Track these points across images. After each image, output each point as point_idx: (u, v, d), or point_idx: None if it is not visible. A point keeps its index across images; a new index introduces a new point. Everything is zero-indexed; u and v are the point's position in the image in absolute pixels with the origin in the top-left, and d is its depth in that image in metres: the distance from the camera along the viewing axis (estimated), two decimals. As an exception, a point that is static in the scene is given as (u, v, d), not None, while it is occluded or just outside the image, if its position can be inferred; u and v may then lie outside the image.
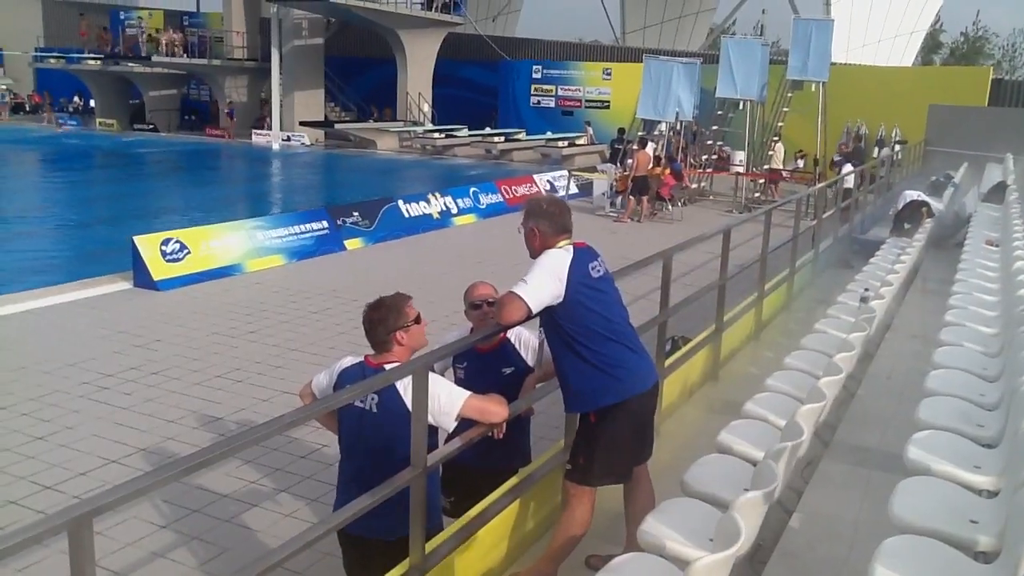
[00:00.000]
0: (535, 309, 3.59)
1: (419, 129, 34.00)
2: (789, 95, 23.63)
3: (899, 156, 21.52)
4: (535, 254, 3.72)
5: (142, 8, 45.80)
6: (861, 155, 20.71)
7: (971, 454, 3.49)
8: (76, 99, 44.90)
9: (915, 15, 41.04)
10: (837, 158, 20.62)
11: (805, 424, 3.65)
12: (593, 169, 23.33)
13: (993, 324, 5.66)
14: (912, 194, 11.47)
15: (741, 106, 23.31)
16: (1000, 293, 6.47)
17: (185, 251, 12.22)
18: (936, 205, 11.51)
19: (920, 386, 4.42)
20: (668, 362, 5.71)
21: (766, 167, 22.65)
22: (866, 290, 6.98)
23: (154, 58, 37.31)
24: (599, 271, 3.73)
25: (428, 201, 17.46)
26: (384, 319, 3.62)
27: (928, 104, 23.67)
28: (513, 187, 20.40)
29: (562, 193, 20.67)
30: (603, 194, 20.34)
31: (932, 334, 5.62)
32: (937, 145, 22.33)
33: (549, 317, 3.70)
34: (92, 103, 42.87)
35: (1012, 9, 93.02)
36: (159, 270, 11.78)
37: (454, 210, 18.01)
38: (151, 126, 39.56)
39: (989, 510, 2.99)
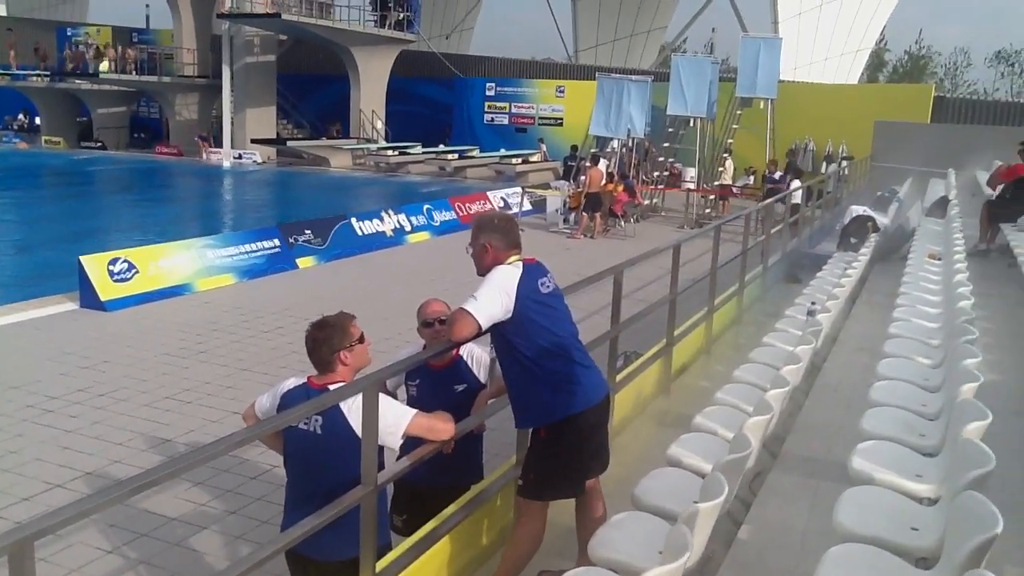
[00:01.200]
0: (485, 325, 3.60)
1: (372, 146, 33.93)
2: (738, 112, 24.03)
3: (846, 172, 21.97)
4: (484, 271, 3.73)
5: (90, 24, 45.17)
6: (796, 171, 21.18)
7: (913, 463, 3.57)
8: (21, 116, 44.08)
9: (860, 34, 42.01)
10: (767, 173, 21.11)
11: (753, 436, 3.71)
12: (547, 186, 23.46)
13: (935, 336, 5.79)
14: (858, 209, 11.72)
15: (692, 123, 23.62)
16: (942, 305, 6.62)
17: (133, 271, 12.04)
18: (881, 220, 11.76)
19: (866, 397, 4.51)
20: (620, 377, 5.76)
21: (717, 183, 22.96)
22: (813, 304, 7.11)
23: (102, 75, 36.77)
24: (548, 287, 3.75)
25: (381, 219, 17.41)
26: (328, 339, 3.59)
27: (874, 120, 24.21)
28: (467, 204, 20.44)
29: (516, 210, 20.75)
30: (556, 211, 20.47)
31: (877, 346, 5.73)
32: (882, 161, 22.83)
33: (499, 333, 3.71)
34: (38, 120, 42.11)
35: (954, 28, 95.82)
36: (107, 290, 11.59)
37: (408, 228, 17.99)
38: (99, 144, 38.96)
39: (929, 517, 3.06)
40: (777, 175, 20.68)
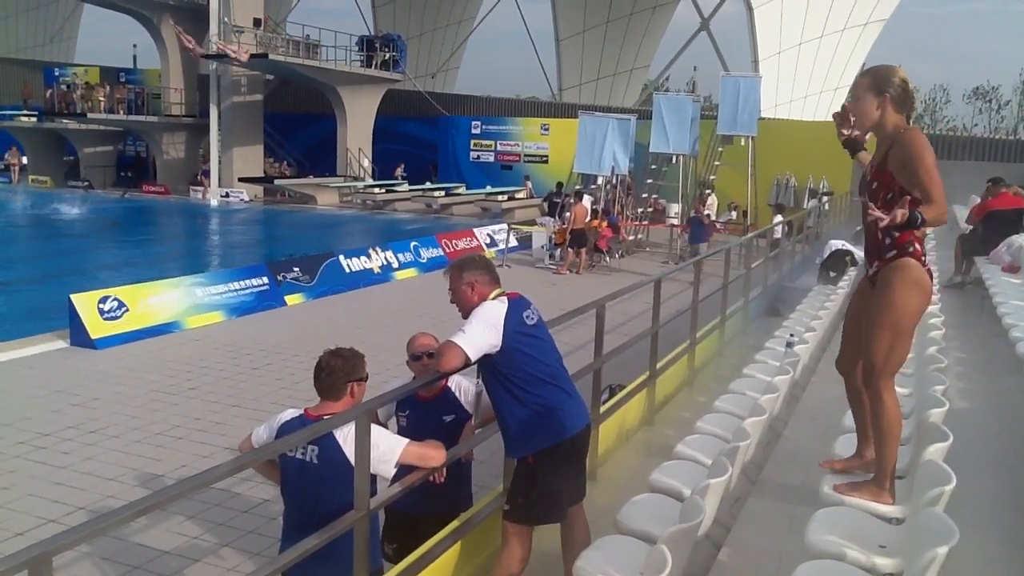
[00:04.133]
0: (473, 357, 3.76)
1: (359, 184, 34.18)
2: (720, 149, 24.40)
3: (826, 206, 22.31)
4: (469, 311, 3.88)
5: (77, 64, 45.48)
6: (778, 206, 21.55)
7: (882, 485, 3.72)
8: (8, 156, 44.11)
9: (839, 72, 42.74)
10: (693, 215, 21.30)
11: (731, 461, 3.86)
12: (533, 222, 23.72)
13: (908, 365, 5.97)
14: (837, 243, 11.96)
15: (674, 160, 23.95)
16: (916, 335, 6.80)
17: (123, 309, 12.14)
18: (859, 254, 12.00)
19: (840, 425, 4.68)
20: (604, 408, 5.91)
21: (700, 219, 23.24)
22: (792, 335, 7.29)
23: (90, 115, 36.96)
24: (533, 319, 3.92)
25: (369, 256, 17.56)
26: (344, 367, 3.79)
27: (853, 156, 24.55)
28: (454, 241, 20.64)
29: (502, 246, 20.97)
30: (543, 247, 20.70)
31: (853, 376, 5.90)
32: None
33: (489, 365, 3.86)
34: (25, 159, 42.18)
35: (933, 65, 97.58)
36: (96, 328, 11.68)
37: (395, 264, 18.14)
38: (86, 183, 39.05)
39: (896, 535, 3.22)
40: (707, 214, 21.05)
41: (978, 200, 12.37)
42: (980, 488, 4.34)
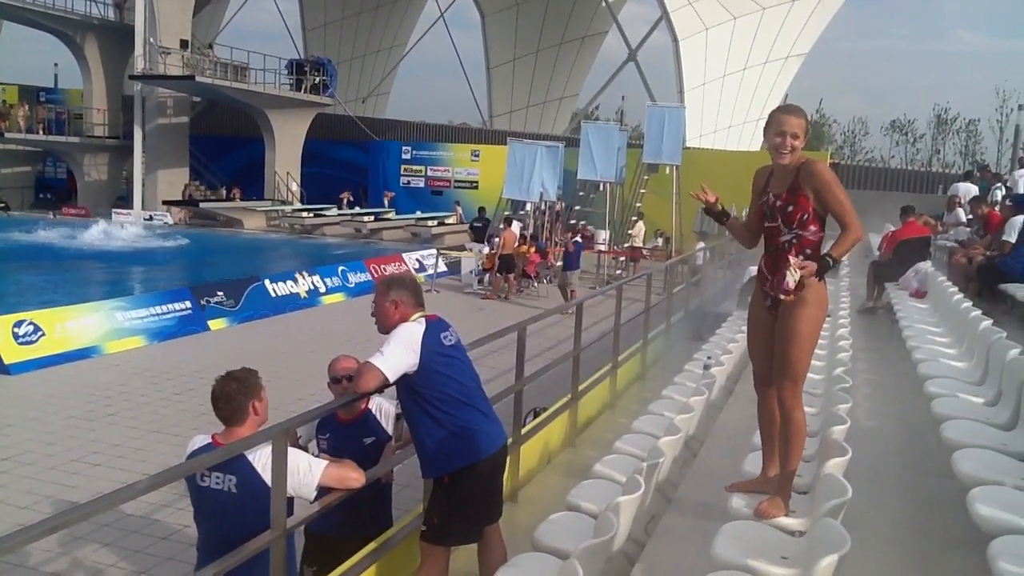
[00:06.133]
0: (392, 378, 3.81)
1: (287, 208, 33.87)
2: (646, 177, 24.88)
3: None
4: (388, 329, 3.93)
5: (-5, 83, 44.24)
6: (702, 234, 22.06)
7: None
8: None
9: (761, 103, 43.96)
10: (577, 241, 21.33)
11: (643, 479, 3.97)
12: (462, 247, 23.82)
13: (819, 386, 6.20)
14: (755, 270, 12.28)
15: (601, 187, 24.34)
16: (826, 359, 7.07)
17: (39, 333, 11.83)
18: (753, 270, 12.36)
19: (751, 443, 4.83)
20: (526, 430, 5.99)
21: (627, 245, 23.65)
22: (709, 358, 7.49)
23: (7, 135, 35.91)
24: (451, 340, 3.99)
25: (295, 280, 17.44)
26: (242, 388, 3.74)
27: (774, 185, 25.27)
28: (382, 265, 20.60)
29: (431, 271, 21.00)
30: (471, 272, 20.79)
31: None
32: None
33: (406, 386, 3.91)
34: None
35: (852, 98, 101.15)
36: (10, 353, 11.36)
37: (322, 289, 18.04)
38: (2, 204, 37.88)
39: (797, 547, 3.36)
40: (579, 240, 21.21)
41: (891, 228, 12.86)
42: (881, 502, 4.53)
